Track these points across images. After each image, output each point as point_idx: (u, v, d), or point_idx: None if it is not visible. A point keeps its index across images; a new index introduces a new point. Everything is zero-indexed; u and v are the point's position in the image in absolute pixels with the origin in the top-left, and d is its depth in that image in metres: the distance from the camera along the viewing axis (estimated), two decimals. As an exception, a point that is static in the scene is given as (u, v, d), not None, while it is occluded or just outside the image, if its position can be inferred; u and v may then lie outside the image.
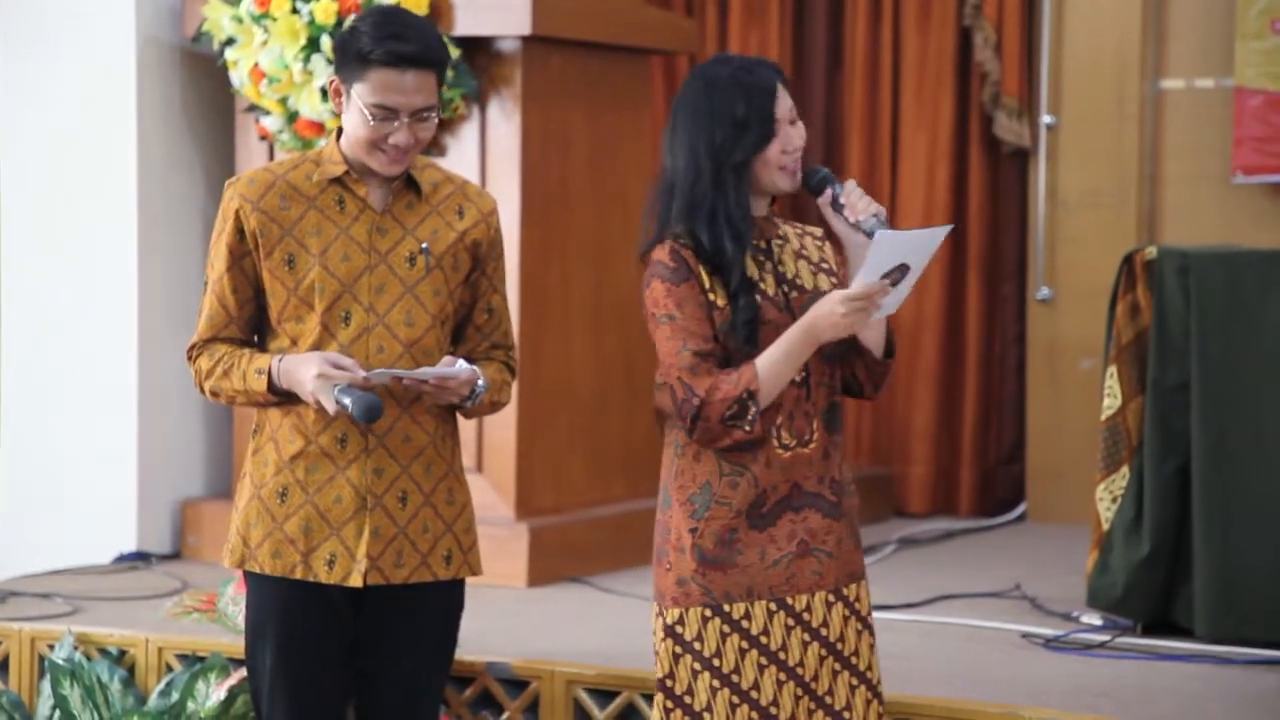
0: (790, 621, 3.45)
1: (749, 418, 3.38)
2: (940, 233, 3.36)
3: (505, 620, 5.05)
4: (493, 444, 5.69)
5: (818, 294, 3.46)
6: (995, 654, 4.75)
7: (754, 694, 3.43)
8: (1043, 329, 6.99)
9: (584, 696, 4.45)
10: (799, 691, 3.45)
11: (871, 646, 3.51)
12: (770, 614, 3.45)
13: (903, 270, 3.34)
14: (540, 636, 4.89)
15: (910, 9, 7.15)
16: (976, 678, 4.46)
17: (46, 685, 4.75)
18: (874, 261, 3.32)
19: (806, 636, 3.46)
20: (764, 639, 3.44)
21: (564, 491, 5.84)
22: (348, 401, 3.40)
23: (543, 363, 5.73)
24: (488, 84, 5.69)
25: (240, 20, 5.72)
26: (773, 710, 3.43)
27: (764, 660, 3.44)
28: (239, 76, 5.78)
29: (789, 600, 3.45)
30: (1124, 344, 4.93)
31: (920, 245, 3.35)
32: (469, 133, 5.72)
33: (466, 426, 5.56)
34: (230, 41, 5.78)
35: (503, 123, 5.69)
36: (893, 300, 3.38)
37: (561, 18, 5.69)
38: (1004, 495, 7.09)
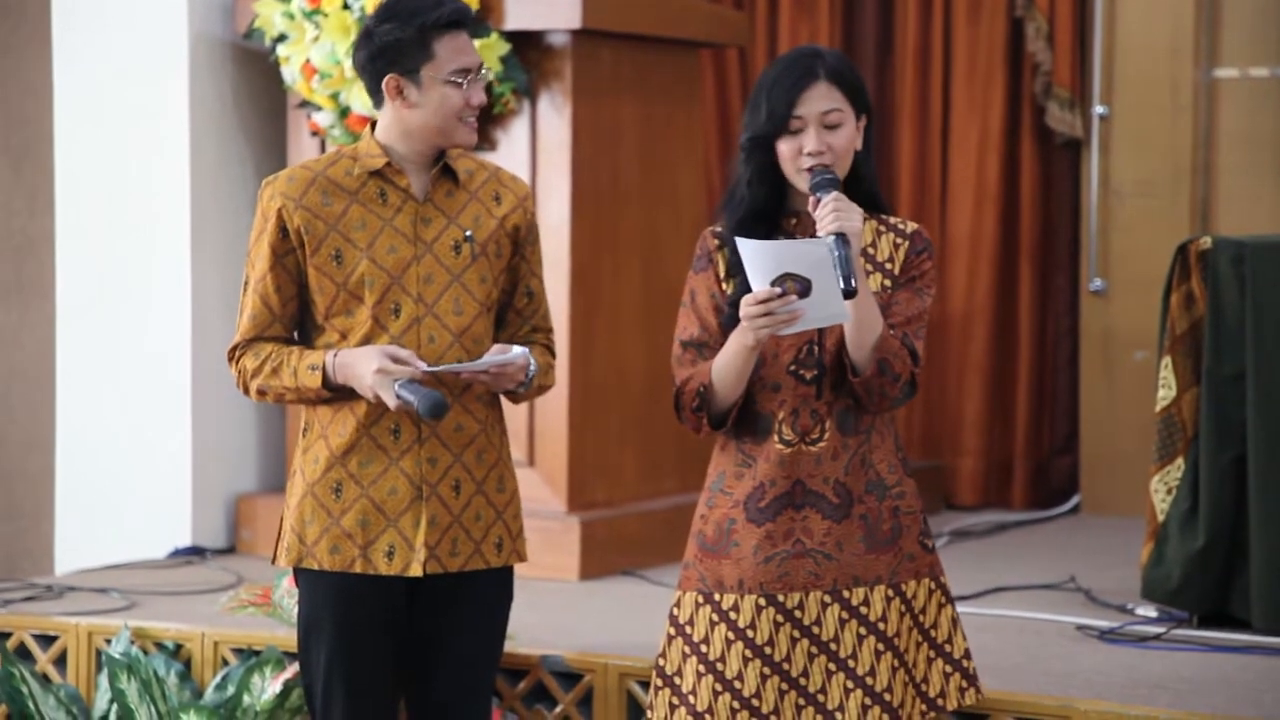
0: (779, 618, 3.42)
1: (713, 411, 3.41)
2: (815, 244, 3.24)
3: (558, 613, 5.06)
4: (544, 437, 5.70)
5: None
6: (1050, 646, 4.73)
7: (737, 684, 3.43)
8: (1096, 320, 6.96)
9: (637, 689, 4.45)
10: (784, 686, 3.42)
11: (879, 653, 3.41)
12: (759, 609, 3.42)
13: (801, 282, 3.23)
14: (593, 630, 4.90)
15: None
16: (1031, 670, 4.45)
17: (104, 679, 4.79)
18: (750, 269, 3.27)
19: (796, 633, 3.42)
20: (750, 632, 3.42)
21: (615, 485, 5.84)
22: (413, 399, 3.40)
23: (594, 356, 5.74)
24: (538, 78, 5.70)
25: (291, 16, 5.74)
26: (755, 702, 3.42)
27: (749, 653, 3.42)
28: (290, 72, 5.80)
29: (779, 597, 3.42)
30: (1178, 334, 4.90)
31: (800, 256, 3.23)
32: (519, 127, 5.73)
33: (518, 419, 5.57)
34: (282, 38, 5.81)
35: (553, 116, 5.69)
36: (820, 314, 3.26)
37: (611, 11, 5.69)
38: (1057, 487, 7.06)
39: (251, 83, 6.21)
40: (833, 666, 3.41)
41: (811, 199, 3.35)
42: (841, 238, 3.26)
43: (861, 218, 3.32)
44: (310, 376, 3.52)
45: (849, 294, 3.23)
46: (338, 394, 3.54)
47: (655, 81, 5.96)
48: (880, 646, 3.42)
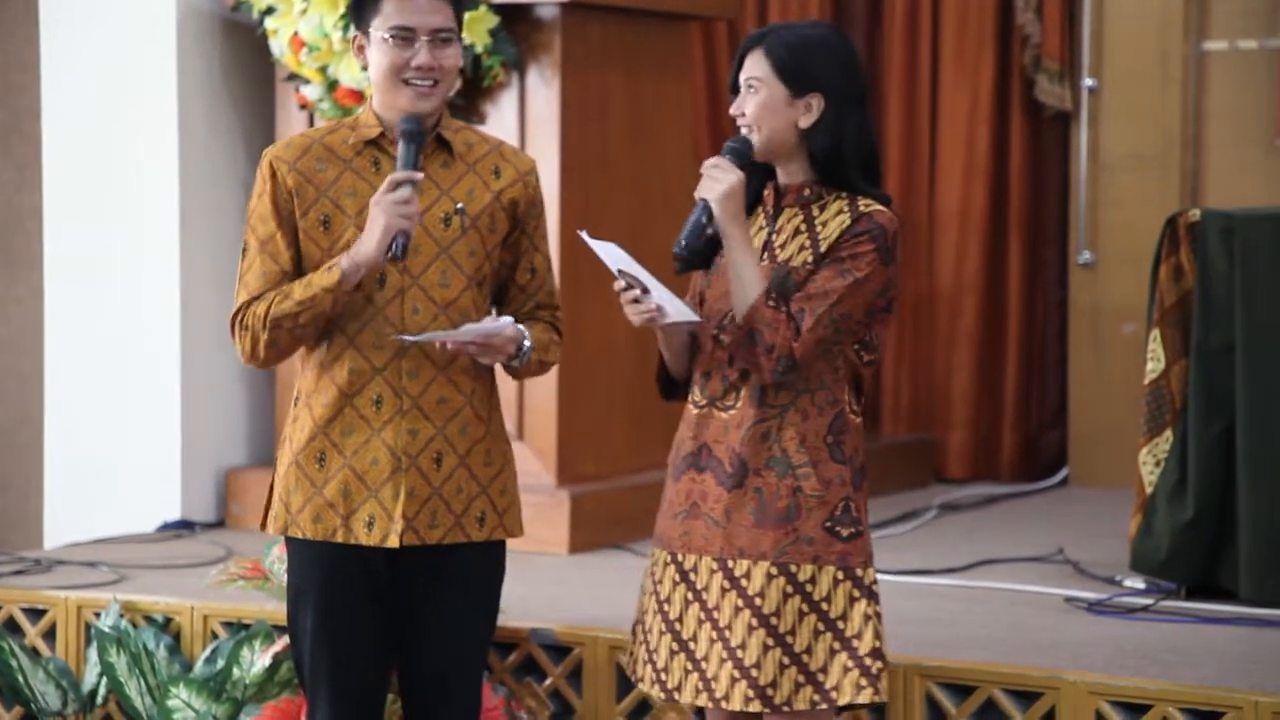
0: (677, 577, 3.49)
1: (664, 374, 3.62)
2: (609, 248, 3.39)
3: (548, 587, 5.06)
4: (534, 410, 5.70)
5: (785, 266, 3.43)
6: (1038, 618, 4.74)
7: (649, 637, 3.52)
8: (1085, 293, 6.96)
9: (627, 662, 4.45)
10: (675, 646, 3.48)
11: (751, 628, 3.39)
12: (665, 565, 3.52)
13: (635, 280, 3.39)
14: (583, 603, 4.90)
15: (951, -30, 7.12)
16: (1019, 642, 4.46)
17: (93, 653, 4.79)
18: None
19: (690, 595, 3.47)
20: (659, 587, 3.52)
21: (605, 458, 5.85)
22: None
23: (583, 329, 5.73)
24: (527, 51, 5.69)
25: (279, -11, 5.73)
26: (655, 657, 3.50)
27: (655, 607, 3.52)
28: (279, 45, 5.78)
29: (679, 556, 3.49)
30: (1167, 307, 4.91)
31: (614, 256, 3.39)
32: (508, 100, 5.72)
33: (507, 392, 5.57)
34: (270, 10, 5.79)
35: (542, 89, 5.68)
36: (675, 310, 3.40)
37: (600, -16, 5.68)
38: (1046, 460, 7.08)
39: (240, 56, 6.19)
40: (714, 634, 3.45)
41: None
42: (704, 203, 3.41)
43: (727, 187, 3.39)
44: (326, 276, 3.45)
45: (676, 254, 3.43)
46: (356, 295, 3.48)
47: (644, 54, 5.95)
48: (754, 622, 3.41)
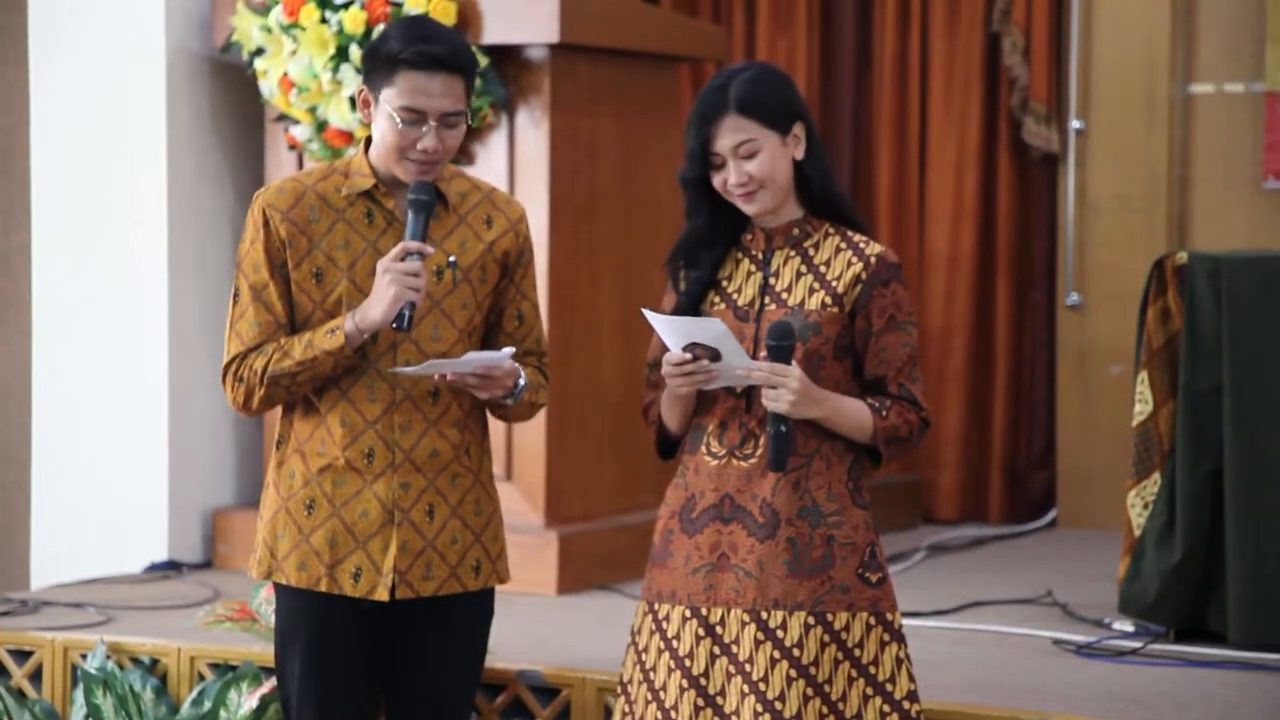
0: (701, 631, 3.44)
1: (661, 440, 3.59)
2: (711, 323, 3.33)
3: (536, 628, 5.05)
4: (522, 451, 5.69)
5: (798, 311, 3.43)
6: (1027, 661, 4.74)
7: (662, 695, 3.46)
8: (1072, 334, 6.97)
9: (614, 704, 4.45)
10: (700, 702, 3.43)
11: (790, 679, 3.38)
12: (684, 620, 3.45)
13: (709, 349, 3.33)
14: (571, 644, 4.89)
15: (938, 14, 7.14)
16: (1008, 685, 4.45)
17: (80, 694, 4.77)
18: (662, 336, 3.42)
19: (716, 650, 3.43)
20: (675, 643, 3.46)
21: (593, 499, 5.84)
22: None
23: (572, 370, 5.73)
24: (516, 92, 5.70)
25: (269, 30, 5.74)
26: (673, 714, 3.44)
27: (672, 664, 3.46)
28: (268, 86, 5.79)
29: (703, 610, 3.44)
30: (1155, 349, 4.92)
31: (700, 331, 3.33)
32: (497, 141, 5.73)
33: (496, 434, 5.56)
34: (259, 51, 5.80)
35: (531, 130, 5.69)
36: (728, 375, 3.36)
37: (589, 26, 5.69)
38: (1034, 501, 7.08)
39: (229, 96, 6.20)
40: (746, 688, 3.40)
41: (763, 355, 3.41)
42: (780, 417, 3.35)
43: (795, 395, 3.33)
44: (329, 339, 3.46)
45: (776, 469, 3.35)
46: (356, 358, 3.48)
47: (633, 95, 5.97)
48: (793, 673, 3.39)
